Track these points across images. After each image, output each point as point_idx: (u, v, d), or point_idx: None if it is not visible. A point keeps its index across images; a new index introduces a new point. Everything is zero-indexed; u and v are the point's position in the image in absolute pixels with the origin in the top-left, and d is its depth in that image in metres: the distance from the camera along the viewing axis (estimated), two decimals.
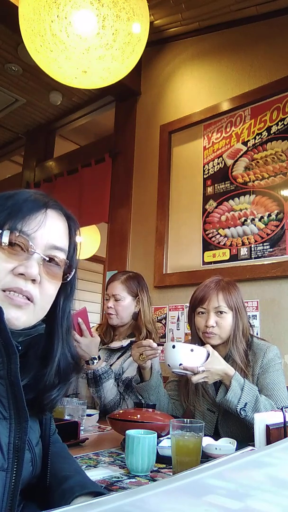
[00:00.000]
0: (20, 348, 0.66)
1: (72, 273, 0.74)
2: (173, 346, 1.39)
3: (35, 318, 0.69)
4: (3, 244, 0.66)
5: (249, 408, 1.34)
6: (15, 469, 0.62)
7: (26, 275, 0.66)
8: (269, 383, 1.46)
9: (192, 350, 1.38)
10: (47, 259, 0.69)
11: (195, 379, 1.36)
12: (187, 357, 1.37)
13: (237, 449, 1.13)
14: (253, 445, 1.06)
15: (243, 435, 1.39)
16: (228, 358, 1.51)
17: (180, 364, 1.36)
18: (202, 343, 1.54)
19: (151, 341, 1.54)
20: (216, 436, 1.39)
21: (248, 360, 1.52)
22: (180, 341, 2.39)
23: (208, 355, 1.39)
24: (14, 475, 0.62)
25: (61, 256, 0.72)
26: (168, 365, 1.40)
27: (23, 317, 0.67)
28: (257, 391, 1.39)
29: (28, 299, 0.67)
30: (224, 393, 1.37)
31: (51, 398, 0.73)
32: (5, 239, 0.66)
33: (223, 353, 1.54)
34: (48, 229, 0.70)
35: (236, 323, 1.54)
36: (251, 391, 1.37)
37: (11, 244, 0.66)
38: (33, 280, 0.67)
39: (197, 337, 1.60)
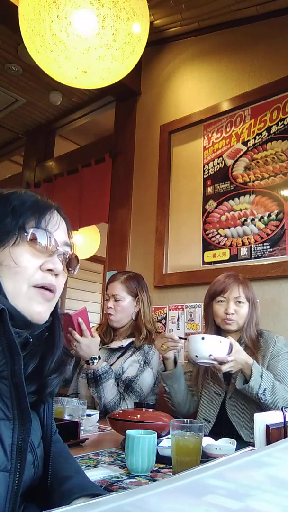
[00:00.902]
0: (31, 340, 0.70)
1: (78, 266, 0.80)
2: (203, 338, 1.47)
3: (51, 310, 0.74)
4: (34, 241, 0.70)
5: (268, 392, 1.47)
6: (18, 470, 0.62)
7: (54, 270, 0.71)
8: (281, 370, 1.59)
9: (220, 342, 1.47)
10: (67, 254, 0.76)
11: (224, 368, 1.46)
12: (217, 348, 1.46)
13: (237, 449, 1.13)
14: (253, 445, 1.06)
15: (251, 419, 1.44)
16: (240, 341, 1.63)
17: (210, 355, 1.44)
18: (217, 331, 1.70)
19: (174, 334, 1.64)
20: (217, 436, 1.39)
21: (259, 344, 1.66)
22: None
23: (231, 345, 1.48)
24: (17, 476, 0.62)
25: (70, 250, 0.78)
26: (196, 355, 1.47)
27: (48, 311, 0.73)
28: (272, 377, 1.52)
29: (52, 293, 0.72)
30: (243, 380, 1.51)
31: (52, 382, 0.75)
32: (34, 236, 0.70)
33: (235, 339, 1.63)
34: (61, 227, 0.77)
35: (251, 314, 1.69)
36: (269, 378, 1.50)
37: (38, 241, 0.71)
38: (57, 275, 0.73)
39: (214, 325, 1.73)
